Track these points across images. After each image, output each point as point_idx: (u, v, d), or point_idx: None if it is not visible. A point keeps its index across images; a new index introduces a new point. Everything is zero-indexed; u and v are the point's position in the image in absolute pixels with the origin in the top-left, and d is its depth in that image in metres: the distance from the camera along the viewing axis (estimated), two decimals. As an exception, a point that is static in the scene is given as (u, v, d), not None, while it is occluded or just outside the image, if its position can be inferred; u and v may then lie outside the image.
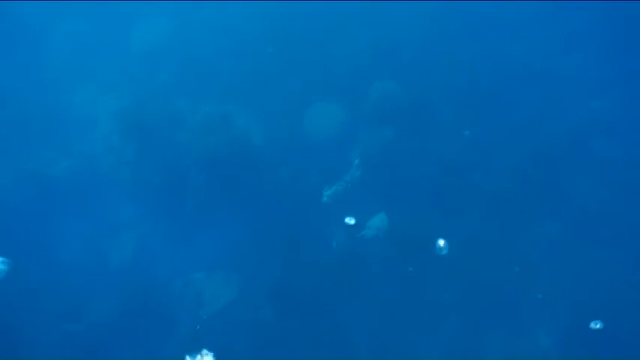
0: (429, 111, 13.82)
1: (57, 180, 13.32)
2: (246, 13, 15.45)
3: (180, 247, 12.47)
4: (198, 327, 11.65)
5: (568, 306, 11.59)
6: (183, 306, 12.03)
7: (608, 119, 13.39)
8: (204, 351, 11.26)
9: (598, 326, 11.31)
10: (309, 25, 15.11)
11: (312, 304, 11.91)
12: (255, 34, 15.15)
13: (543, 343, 11.42)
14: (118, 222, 12.84)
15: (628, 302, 11.51)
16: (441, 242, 11.98)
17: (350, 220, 12.45)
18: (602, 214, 12.38)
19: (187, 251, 12.42)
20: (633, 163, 12.86)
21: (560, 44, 14.51)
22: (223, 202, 13.00)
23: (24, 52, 15.18)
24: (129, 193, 13.14)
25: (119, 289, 12.06)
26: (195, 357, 11.20)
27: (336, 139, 13.64)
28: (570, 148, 13.15)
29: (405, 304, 11.85)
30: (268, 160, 13.48)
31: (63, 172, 13.48)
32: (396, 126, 13.72)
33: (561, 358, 11.24)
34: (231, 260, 12.38)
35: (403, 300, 11.87)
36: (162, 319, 11.84)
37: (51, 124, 14.13)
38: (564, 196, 12.64)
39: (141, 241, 12.62)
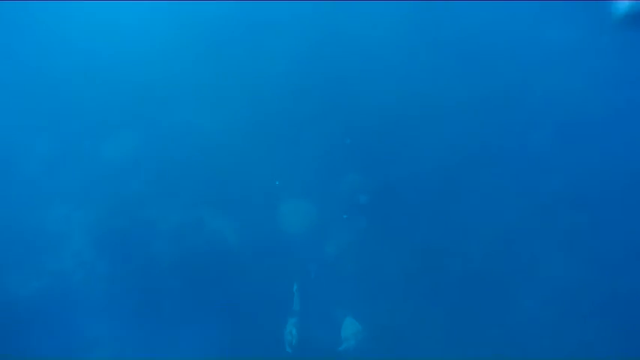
0: (399, 198, 14.02)
1: (26, 302, 13.00)
2: (213, 118, 15.86)
3: (160, 357, 12.07)
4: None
5: None
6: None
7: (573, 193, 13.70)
8: None
9: None
10: (277, 121, 15.51)
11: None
12: (223, 135, 15.42)
13: None
14: (90, 339, 12.46)
15: None
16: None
17: None
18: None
19: (166, 361, 12.04)
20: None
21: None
22: (202, 307, 12.80)
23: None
24: (102, 308, 12.85)
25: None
26: None
27: (310, 234, 13.67)
28: (540, 221, 13.30)
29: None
30: (244, 261, 13.40)
31: (33, 293, 13.18)
32: (368, 216, 13.83)
33: None
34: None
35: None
36: None
37: (21, 245, 13.97)
38: (540, 271, 12.66)
39: (116, 355, 12.19)
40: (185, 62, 16.46)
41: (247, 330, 12.59)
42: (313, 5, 16.58)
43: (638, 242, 12.66)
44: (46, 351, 12.32)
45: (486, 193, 13.77)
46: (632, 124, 14.19)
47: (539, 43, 15.42)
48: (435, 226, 13.43)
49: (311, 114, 15.38)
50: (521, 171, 14.03)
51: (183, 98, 15.99)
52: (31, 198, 14.76)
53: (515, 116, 14.70)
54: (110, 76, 16.29)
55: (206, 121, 15.56)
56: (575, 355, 11.70)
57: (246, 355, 12.26)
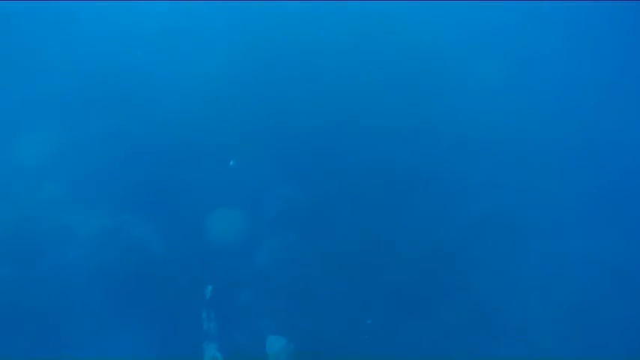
0: (329, 211, 14.00)
1: None
2: (137, 119, 15.28)
3: None
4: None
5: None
6: None
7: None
8: None
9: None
10: (205, 130, 15.18)
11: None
12: (149, 139, 14.89)
13: None
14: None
15: None
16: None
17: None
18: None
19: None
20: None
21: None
22: (123, 323, 12.07)
23: None
24: (7, 325, 11.82)
25: None
26: None
27: (239, 244, 13.34)
28: (465, 241, 13.71)
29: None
30: (169, 271, 12.84)
31: None
32: (297, 228, 13.71)
33: None
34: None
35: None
36: None
37: None
38: (461, 288, 12.98)
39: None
40: (113, 63, 15.93)
41: (169, 344, 11.93)
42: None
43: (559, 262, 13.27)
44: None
45: (417, 210, 14.12)
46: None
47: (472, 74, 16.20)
48: (365, 240, 13.59)
49: (246, 123, 15.22)
50: (450, 193, 14.48)
51: (109, 100, 15.35)
52: None
53: (446, 140, 15.33)
54: (30, 69, 15.48)
55: (133, 124, 14.97)
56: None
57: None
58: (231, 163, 11.82)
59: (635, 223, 13.73)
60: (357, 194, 14.33)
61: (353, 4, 17.43)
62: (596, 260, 13.19)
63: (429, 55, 16.65)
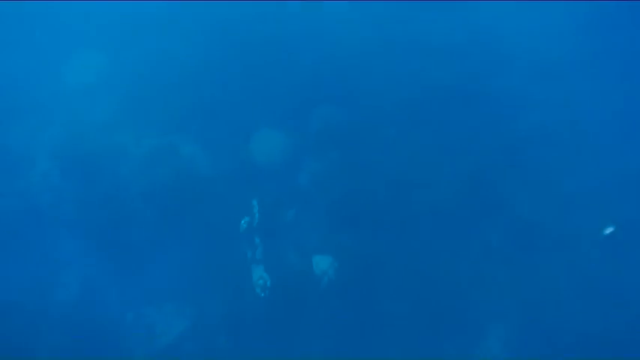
0: (372, 130, 14.21)
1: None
2: (185, 42, 15.59)
3: (129, 281, 12.19)
4: None
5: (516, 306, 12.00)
6: (136, 339, 11.62)
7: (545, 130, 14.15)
8: None
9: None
10: (250, 51, 15.38)
11: (265, 331, 11.77)
12: (197, 62, 15.23)
13: (493, 347, 11.69)
14: (60, 260, 12.43)
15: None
16: None
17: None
18: (539, 223, 12.98)
19: (137, 285, 12.16)
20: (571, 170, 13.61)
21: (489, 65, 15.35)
22: (171, 233, 12.81)
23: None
24: (71, 230, 12.77)
25: (68, 326, 11.67)
26: None
27: (282, 164, 13.75)
28: (509, 158, 13.72)
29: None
30: (216, 189, 13.41)
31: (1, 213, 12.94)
32: (340, 148, 14.00)
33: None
34: (182, 292, 12.16)
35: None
36: (116, 353, 11.39)
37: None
38: (504, 206, 13.19)
39: (87, 277, 12.26)
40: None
41: (217, 261, 12.60)
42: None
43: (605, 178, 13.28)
44: (15, 272, 12.15)
45: (459, 127, 14.07)
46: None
47: None
48: (407, 158, 13.67)
49: (285, 46, 15.33)
50: (496, 107, 14.37)
51: (158, 23, 15.64)
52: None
53: (490, 56, 15.12)
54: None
55: (182, 47, 15.31)
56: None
57: (212, 278, 12.35)
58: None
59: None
60: (400, 112, 14.33)
61: None
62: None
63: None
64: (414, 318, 11.93)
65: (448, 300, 12.11)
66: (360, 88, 14.72)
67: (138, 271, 12.30)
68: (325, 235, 12.77)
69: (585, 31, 15.24)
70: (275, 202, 13.17)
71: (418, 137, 13.96)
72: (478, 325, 11.94)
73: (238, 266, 12.48)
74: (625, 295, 11.90)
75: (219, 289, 12.21)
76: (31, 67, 15.23)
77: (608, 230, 12.49)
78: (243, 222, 12.70)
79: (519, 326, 11.89)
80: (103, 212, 13.10)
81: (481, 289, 12.22)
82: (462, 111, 14.33)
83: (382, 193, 13.22)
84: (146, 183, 13.43)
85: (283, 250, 12.60)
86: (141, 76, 15.09)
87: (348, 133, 14.10)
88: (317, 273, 12.26)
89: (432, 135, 13.99)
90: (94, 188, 13.38)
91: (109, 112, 14.57)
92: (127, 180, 13.52)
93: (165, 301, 12.05)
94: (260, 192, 13.31)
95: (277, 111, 14.38)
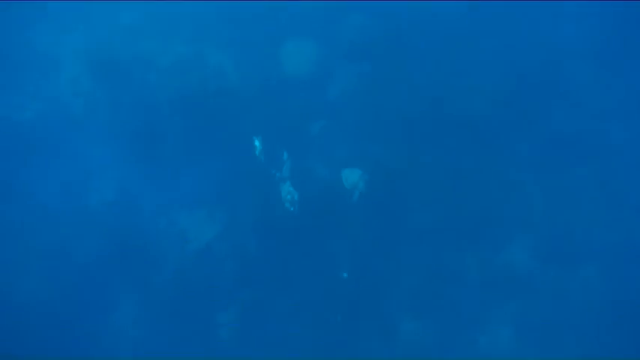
0: (404, 42, 13.83)
1: (26, 125, 12.89)
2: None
3: (162, 186, 12.43)
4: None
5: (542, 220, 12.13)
6: (169, 243, 12.01)
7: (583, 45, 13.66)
8: None
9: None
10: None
11: (295, 236, 12.05)
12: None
13: (517, 255, 11.90)
14: (94, 165, 12.68)
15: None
16: None
17: None
18: (571, 136, 12.84)
19: (169, 191, 12.41)
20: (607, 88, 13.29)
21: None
22: (201, 140, 12.90)
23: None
24: (103, 136, 12.93)
25: (102, 231, 12.08)
26: None
27: (312, 74, 13.54)
28: (545, 74, 13.38)
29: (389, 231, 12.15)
30: (244, 98, 13.33)
31: (32, 116, 13.03)
32: (372, 60, 13.70)
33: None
34: (214, 197, 12.39)
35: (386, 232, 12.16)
36: (149, 257, 11.84)
37: (11, 65, 13.53)
38: (539, 121, 13.00)
39: (120, 182, 12.52)
40: None
41: (245, 172, 12.73)
42: None
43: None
44: (50, 177, 12.41)
45: (492, 39, 13.67)
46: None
47: None
48: (438, 71, 13.38)
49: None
50: (532, 15, 13.84)
51: None
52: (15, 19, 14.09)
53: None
54: None
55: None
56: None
57: (242, 184, 12.53)
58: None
59: None
60: (432, 23, 13.86)
61: None
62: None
63: None
64: (443, 227, 12.18)
65: (476, 209, 12.30)
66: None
67: (169, 177, 12.53)
68: (355, 148, 12.77)
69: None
70: (303, 114, 13.08)
71: (454, 50, 13.55)
72: (505, 233, 12.16)
73: (267, 179, 12.64)
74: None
75: (249, 197, 12.42)
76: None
77: None
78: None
79: (546, 236, 12.10)
80: (134, 119, 13.16)
81: (510, 198, 12.34)
82: (498, 22, 13.82)
83: (413, 105, 13.05)
84: (174, 91, 13.36)
85: (312, 164, 12.66)
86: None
87: (381, 44, 13.71)
88: (347, 186, 12.36)
89: (467, 48, 13.58)
90: (123, 95, 13.36)
91: (135, 16, 14.23)
92: (156, 88, 13.45)
93: (196, 207, 12.32)
94: (289, 104, 13.20)
95: (308, 20, 13.95)
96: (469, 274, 11.97)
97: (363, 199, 12.35)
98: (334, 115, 13.12)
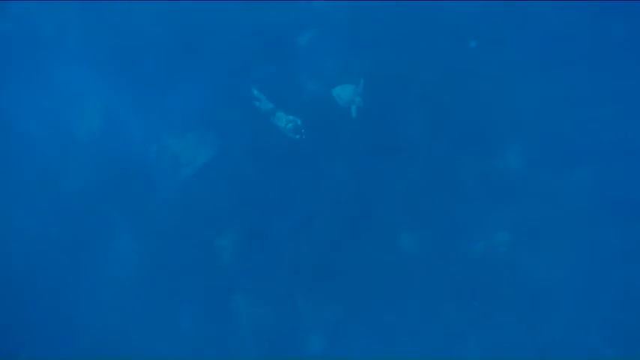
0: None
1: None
2: None
3: (150, 111, 12.01)
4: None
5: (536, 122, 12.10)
6: (162, 170, 11.80)
7: None
8: None
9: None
10: None
11: (290, 156, 11.89)
12: None
13: (512, 162, 11.97)
14: (75, 90, 12.07)
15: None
16: None
17: None
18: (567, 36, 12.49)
19: (158, 116, 12.01)
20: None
21: None
22: (188, 58, 12.27)
23: None
24: (82, 59, 12.19)
25: (91, 159, 11.80)
26: None
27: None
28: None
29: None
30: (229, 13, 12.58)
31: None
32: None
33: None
34: (205, 120, 12.07)
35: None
36: (143, 184, 11.69)
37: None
38: (532, 20, 12.50)
39: (106, 108, 12.02)
40: None
41: (233, 80, 12.25)
42: None
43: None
44: (31, 107, 11.89)
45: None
46: None
47: None
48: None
49: None
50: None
51: None
52: None
53: None
54: None
55: None
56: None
57: (234, 104, 12.15)
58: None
59: None
60: None
61: None
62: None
63: None
64: (438, 135, 12.09)
65: (470, 115, 12.14)
66: None
67: (157, 101, 12.07)
68: (347, 61, 12.28)
69: None
70: (288, 24, 12.44)
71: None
72: (499, 138, 12.10)
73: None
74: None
75: (242, 120, 12.07)
76: None
77: None
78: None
79: (540, 140, 12.07)
80: (112, 38, 12.42)
81: (504, 101, 12.19)
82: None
83: (404, 12, 12.47)
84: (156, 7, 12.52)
85: (302, 82, 12.19)
86: None
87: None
88: (342, 104, 12.05)
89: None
90: (100, 14, 12.50)
91: None
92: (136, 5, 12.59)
93: (187, 131, 12.01)
94: (270, 14, 12.50)
95: None
96: (465, 181, 12.03)
97: (362, 114, 12.07)
98: (323, 24, 12.50)
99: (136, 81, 12.12)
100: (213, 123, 12.00)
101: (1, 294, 11.31)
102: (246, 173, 11.88)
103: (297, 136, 11.82)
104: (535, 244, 11.72)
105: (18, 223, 11.40)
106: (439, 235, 11.73)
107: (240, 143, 11.96)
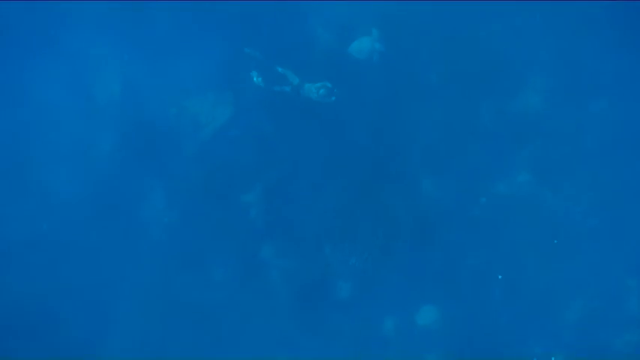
0: None
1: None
2: None
3: (166, 74, 12.05)
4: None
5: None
6: (183, 131, 11.97)
7: None
8: None
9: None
10: None
11: (309, 110, 11.91)
12: None
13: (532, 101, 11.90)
14: (94, 56, 12.11)
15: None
16: None
17: None
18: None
19: (174, 78, 12.06)
20: None
21: None
22: (201, 19, 12.21)
23: None
24: (98, 26, 12.16)
25: (114, 125, 11.93)
26: None
27: None
28: None
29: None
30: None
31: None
32: None
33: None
34: (221, 80, 12.10)
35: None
36: (166, 147, 11.91)
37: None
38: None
39: (124, 73, 12.08)
40: None
41: (249, 39, 12.17)
42: None
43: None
44: (42, 78, 11.99)
45: None
46: None
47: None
48: None
49: None
50: None
51: None
52: None
53: None
54: None
55: None
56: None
57: (250, 62, 12.09)
58: None
59: None
60: None
61: None
62: None
63: None
64: (455, 75, 12.07)
65: (486, 56, 12.05)
66: None
67: (174, 63, 12.08)
68: (363, 11, 12.11)
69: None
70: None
71: None
72: (517, 77, 12.04)
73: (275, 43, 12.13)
74: None
75: (259, 73, 12.03)
76: None
77: None
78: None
79: (556, 76, 12.01)
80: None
81: (516, 42, 12.06)
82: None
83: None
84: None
85: (317, 41, 12.04)
86: None
87: None
88: (363, 56, 11.98)
89: None
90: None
91: None
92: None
93: (203, 91, 12.09)
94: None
95: None
96: (484, 123, 12.04)
97: (384, 59, 12.00)
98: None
99: (151, 44, 12.12)
100: (229, 83, 12.04)
101: (42, 260, 11.70)
102: (265, 130, 12.01)
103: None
104: (557, 183, 11.78)
105: (53, 189, 11.67)
106: (461, 179, 11.83)
107: (257, 100, 12.00)
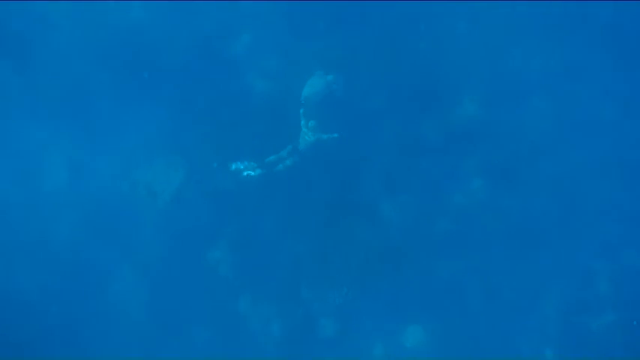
0: None
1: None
2: None
3: (111, 151, 12.08)
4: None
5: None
6: (139, 203, 11.97)
7: None
8: None
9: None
10: None
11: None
12: None
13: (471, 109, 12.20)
14: (36, 145, 12.10)
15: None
16: None
17: None
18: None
19: (119, 152, 12.09)
20: None
21: None
22: (135, 85, 12.38)
23: None
24: (34, 114, 12.13)
25: (68, 211, 11.89)
26: None
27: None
28: None
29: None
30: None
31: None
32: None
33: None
34: (168, 143, 12.22)
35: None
36: (125, 222, 11.87)
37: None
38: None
39: (69, 158, 12.11)
40: None
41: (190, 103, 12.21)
42: None
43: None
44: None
45: None
46: None
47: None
48: None
49: None
50: None
51: None
52: None
53: None
54: None
55: None
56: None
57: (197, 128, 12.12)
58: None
59: None
60: None
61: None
62: None
63: None
64: (397, 98, 12.25)
65: (421, 75, 12.28)
66: None
67: (116, 138, 12.13)
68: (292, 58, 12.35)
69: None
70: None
71: None
72: (454, 88, 12.24)
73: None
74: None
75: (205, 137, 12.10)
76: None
77: None
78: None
79: (490, 84, 12.28)
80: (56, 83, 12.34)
81: (449, 57, 12.33)
82: None
83: None
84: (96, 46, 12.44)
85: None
86: None
87: None
88: (318, 97, 12.00)
89: None
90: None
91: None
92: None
93: (153, 158, 12.11)
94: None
95: None
96: (430, 140, 12.26)
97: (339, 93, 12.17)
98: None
99: (90, 123, 12.14)
100: (176, 145, 12.09)
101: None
102: (221, 184, 12.03)
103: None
104: (510, 183, 12.03)
105: (16, 289, 11.46)
106: (418, 197, 11.99)
107: (207, 158, 12.06)
